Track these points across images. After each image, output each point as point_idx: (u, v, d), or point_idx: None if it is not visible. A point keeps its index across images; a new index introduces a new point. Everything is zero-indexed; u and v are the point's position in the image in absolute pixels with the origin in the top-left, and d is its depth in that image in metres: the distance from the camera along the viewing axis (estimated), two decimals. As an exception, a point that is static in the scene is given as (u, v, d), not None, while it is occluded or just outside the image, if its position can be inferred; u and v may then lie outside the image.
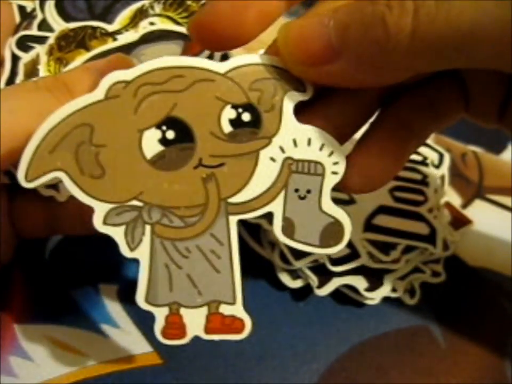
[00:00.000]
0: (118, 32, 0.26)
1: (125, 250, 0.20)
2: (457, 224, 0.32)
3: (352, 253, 0.28)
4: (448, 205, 0.32)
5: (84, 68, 0.24)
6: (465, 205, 0.34)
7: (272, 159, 0.19)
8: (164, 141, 0.19)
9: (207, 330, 0.21)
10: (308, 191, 0.19)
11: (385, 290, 0.28)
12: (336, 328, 0.28)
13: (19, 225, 0.26)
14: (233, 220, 0.20)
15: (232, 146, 0.19)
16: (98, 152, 0.19)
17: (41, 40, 0.26)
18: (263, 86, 0.19)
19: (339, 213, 0.20)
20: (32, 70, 0.26)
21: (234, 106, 0.19)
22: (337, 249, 0.20)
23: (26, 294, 0.28)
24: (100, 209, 0.19)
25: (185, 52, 0.26)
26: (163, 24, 0.27)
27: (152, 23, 0.26)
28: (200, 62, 0.19)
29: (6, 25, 0.27)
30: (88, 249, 0.29)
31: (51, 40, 0.26)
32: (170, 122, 0.19)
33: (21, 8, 0.28)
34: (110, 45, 0.26)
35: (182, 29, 0.26)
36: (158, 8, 0.27)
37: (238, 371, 0.26)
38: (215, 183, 0.19)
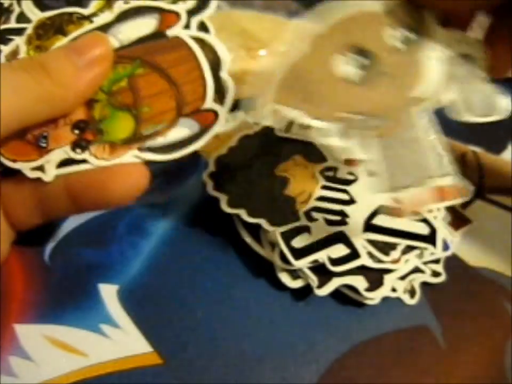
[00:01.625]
0: (94, 14, 0.27)
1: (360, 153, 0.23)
2: (457, 224, 0.32)
3: (352, 253, 0.28)
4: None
5: (59, 49, 0.25)
6: (465, 205, 0.34)
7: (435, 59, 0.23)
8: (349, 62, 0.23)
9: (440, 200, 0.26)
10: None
11: (385, 290, 0.28)
12: (336, 328, 0.28)
13: (11, 215, 0.26)
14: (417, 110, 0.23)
15: (402, 55, 0.23)
16: (308, 83, 0.23)
17: (20, 32, 0.26)
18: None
19: None
20: None
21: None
22: None
23: (26, 294, 0.28)
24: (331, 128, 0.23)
25: (161, 25, 0.26)
26: (137, 1, 0.27)
27: (126, 2, 0.27)
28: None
29: None
30: (88, 249, 0.30)
31: (29, 30, 0.26)
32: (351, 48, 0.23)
33: None
34: (87, 27, 0.26)
35: (155, 3, 0.26)
36: None
37: (238, 371, 0.26)
38: (399, 83, 0.23)
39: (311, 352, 0.27)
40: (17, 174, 0.24)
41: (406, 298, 0.29)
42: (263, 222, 0.28)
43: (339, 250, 0.28)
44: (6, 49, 0.26)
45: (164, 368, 0.26)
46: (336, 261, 0.28)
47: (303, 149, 0.32)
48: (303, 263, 0.28)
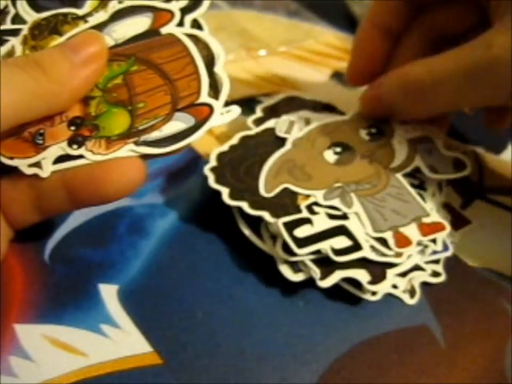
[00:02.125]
0: (89, 14, 0.27)
1: (345, 209, 0.29)
2: (457, 224, 0.32)
3: (354, 245, 0.28)
4: (448, 205, 0.32)
5: (54, 47, 0.25)
6: (465, 205, 0.34)
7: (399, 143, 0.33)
8: (335, 152, 0.32)
9: (423, 235, 0.29)
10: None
11: (387, 284, 0.28)
12: (336, 328, 0.28)
13: (9, 213, 0.26)
14: (398, 175, 0.31)
15: (374, 144, 0.33)
16: (303, 168, 0.31)
17: (16, 32, 0.27)
18: None
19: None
20: None
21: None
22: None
23: (26, 294, 0.28)
24: (318, 195, 0.30)
25: (154, 23, 0.26)
26: (131, 1, 0.27)
27: (120, 2, 0.27)
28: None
29: None
30: (88, 249, 0.30)
31: (24, 31, 0.26)
32: (334, 144, 0.33)
33: None
34: (81, 27, 0.26)
35: (149, 2, 0.27)
36: None
37: (238, 371, 0.26)
38: (377, 161, 0.32)
39: (311, 352, 0.27)
40: (13, 171, 0.25)
41: (406, 298, 0.29)
42: (265, 214, 0.29)
43: (341, 241, 0.28)
44: (2, 49, 0.26)
45: (164, 368, 0.26)
46: (339, 252, 0.28)
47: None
48: (306, 252, 0.28)
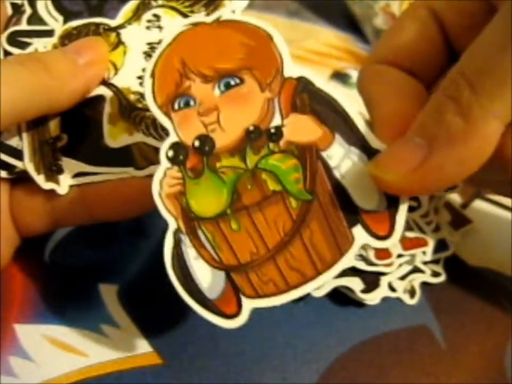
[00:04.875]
0: (122, 26, 0.26)
1: None
2: (457, 224, 0.32)
3: None
4: (448, 205, 0.32)
5: (57, 49, 0.26)
6: (465, 205, 0.34)
7: None
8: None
9: (404, 248, 0.28)
10: None
11: (382, 291, 0.28)
12: (336, 328, 0.28)
13: (21, 221, 0.26)
14: None
15: None
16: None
17: (32, 34, 0.26)
18: None
19: None
20: None
21: None
22: None
23: (26, 294, 0.28)
24: None
25: None
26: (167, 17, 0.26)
27: (155, 15, 0.26)
28: None
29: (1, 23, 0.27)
30: (88, 249, 0.30)
31: (54, 40, 0.26)
32: None
33: (14, 5, 0.27)
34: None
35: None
36: (161, 0, 0.27)
37: (238, 371, 0.26)
38: None
39: (311, 352, 0.27)
40: (30, 181, 0.24)
41: (406, 298, 0.29)
42: None
43: None
44: (25, 52, 0.26)
45: (164, 368, 0.26)
46: None
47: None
48: None
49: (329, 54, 0.43)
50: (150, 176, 0.22)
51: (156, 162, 0.23)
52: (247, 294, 0.21)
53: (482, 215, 0.33)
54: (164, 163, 0.21)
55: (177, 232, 0.21)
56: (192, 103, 0.21)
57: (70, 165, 0.24)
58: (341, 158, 0.21)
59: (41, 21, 0.27)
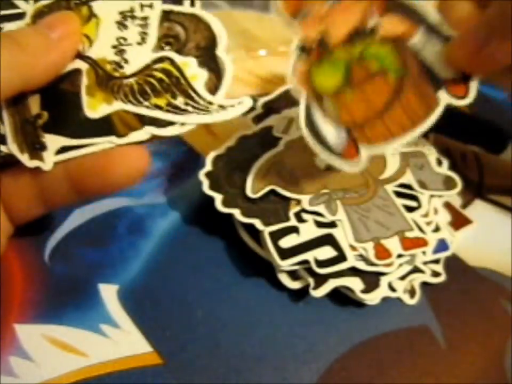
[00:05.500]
0: None
1: (329, 216, 0.29)
2: (457, 224, 0.32)
3: (339, 256, 0.28)
4: (448, 205, 0.32)
5: (29, 26, 0.26)
6: (465, 205, 0.34)
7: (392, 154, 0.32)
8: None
9: (404, 249, 0.29)
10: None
11: (382, 291, 0.28)
12: (336, 328, 0.28)
13: (11, 208, 0.25)
14: (387, 186, 0.31)
15: None
16: (293, 171, 0.31)
17: (3, 19, 0.26)
18: None
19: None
20: None
21: None
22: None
23: (26, 294, 0.28)
24: (304, 200, 0.30)
25: None
26: None
27: None
28: None
29: None
30: (88, 249, 0.30)
31: (27, 20, 0.26)
32: None
33: None
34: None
35: None
36: None
37: (238, 371, 0.26)
38: (368, 170, 0.31)
39: (311, 352, 0.27)
40: (15, 164, 0.24)
41: (406, 298, 0.29)
42: (256, 222, 0.28)
43: (326, 252, 0.28)
44: None
45: (164, 368, 0.26)
46: (322, 263, 0.28)
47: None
48: (289, 263, 0.28)
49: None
50: (133, 144, 0.24)
51: (137, 128, 0.24)
52: (363, 143, 0.27)
53: (482, 215, 0.33)
54: (296, 54, 0.27)
55: (308, 100, 0.27)
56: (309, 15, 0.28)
57: (53, 141, 0.24)
58: (423, 43, 0.27)
59: (12, 6, 0.27)
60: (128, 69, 0.25)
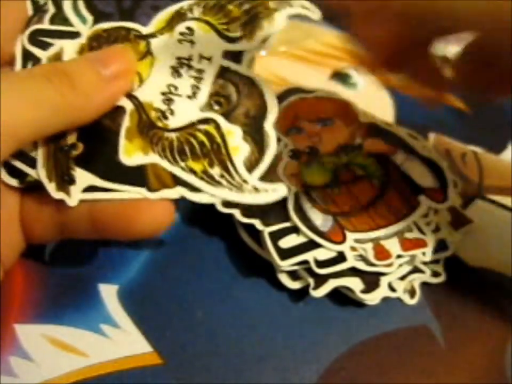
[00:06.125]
0: (153, 35, 0.25)
1: None
2: (457, 224, 0.32)
3: (338, 256, 0.28)
4: (448, 205, 0.32)
5: (83, 57, 0.24)
6: (465, 205, 0.34)
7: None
8: None
9: (403, 249, 0.29)
10: None
11: (381, 292, 0.28)
12: (336, 328, 0.28)
13: (28, 230, 0.25)
14: None
15: None
16: None
17: (55, 34, 0.25)
18: None
19: None
20: None
21: None
22: None
23: (26, 294, 0.28)
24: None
25: None
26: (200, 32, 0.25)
27: (189, 28, 0.25)
28: None
29: (19, 21, 0.26)
30: (88, 249, 0.30)
31: (83, 40, 0.25)
32: None
33: (34, 2, 0.26)
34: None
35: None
36: (197, 12, 0.26)
37: (238, 371, 0.26)
38: None
39: (311, 352, 0.27)
40: (40, 191, 0.24)
41: (406, 298, 0.29)
42: (256, 222, 0.28)
43: (326, 252, 0.28)
44: (49, 52, 0.25)
45: (164, 368, 0.26)
46: (322, 263, 0.28)
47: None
48: (288, 264, 0.28)
49: (329, 54, 0.43)
50: (162, 200, 0.23)
51: (169, 186, 0.23)
52: (349, 230, 0.29)
53: (482, 215, 0.33)
54: (286, 159, 0.30)
55: (296, 193, 0.29)
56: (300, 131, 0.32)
57: (82, 176, 0.24)
58: (403, 160, 0.31)
59: (65, 21, 0.26)
60: (173, 122, 0.24)
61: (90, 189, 0.24)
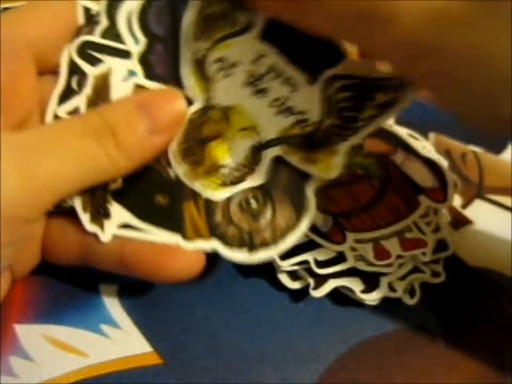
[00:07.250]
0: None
1: None
2: (457, 224, 0.32)
3: (338, 256, 0.28)
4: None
5: (134, 106, 0.22)
6: (465, 205, 0.34)
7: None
8: None
9: (403, 250, 0.29)
10: None
11: (381, 292, 0.28)
12: (336, 328, 0.28)
13: (49, 250, 0.25)
14: None
15: None
16: None
17: (106, 50, 0.24)
18: None
19: None
20: (102, 86, 0.24)
21: None
22: None
23: (26, 294, 0.28)
24: None
25: None
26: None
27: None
28: None
29: (68, 27, 0.24)
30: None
31: (134, 64, 0.24)
32: None
33: (87, 10, 0.25)
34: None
35: None
36: None
37: (238, 371, 0.26)
38: None
39: (311, 351, 0.27)
40: (67, 217, 0.24)
41: (406, 298, 0.29)
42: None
43: (326, 252, 0.28)
44: (97, 70, 0.24)
45: (164, 368, 0.26)
46: (322, 263, 0.28)
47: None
48: (289, 264, 0.28)
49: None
50: (196, 252, 0.23)
51: (205, 237, 0.23)
52: (349, 230, 0.29)
53: (482, 215, 0.33)
54: None
55: None
56: None
57: (118, 212, 0.23)
58: (402, 160, 0.31)
59: (117, 37, 0.24)
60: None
61: (125, 226, 0.23)
